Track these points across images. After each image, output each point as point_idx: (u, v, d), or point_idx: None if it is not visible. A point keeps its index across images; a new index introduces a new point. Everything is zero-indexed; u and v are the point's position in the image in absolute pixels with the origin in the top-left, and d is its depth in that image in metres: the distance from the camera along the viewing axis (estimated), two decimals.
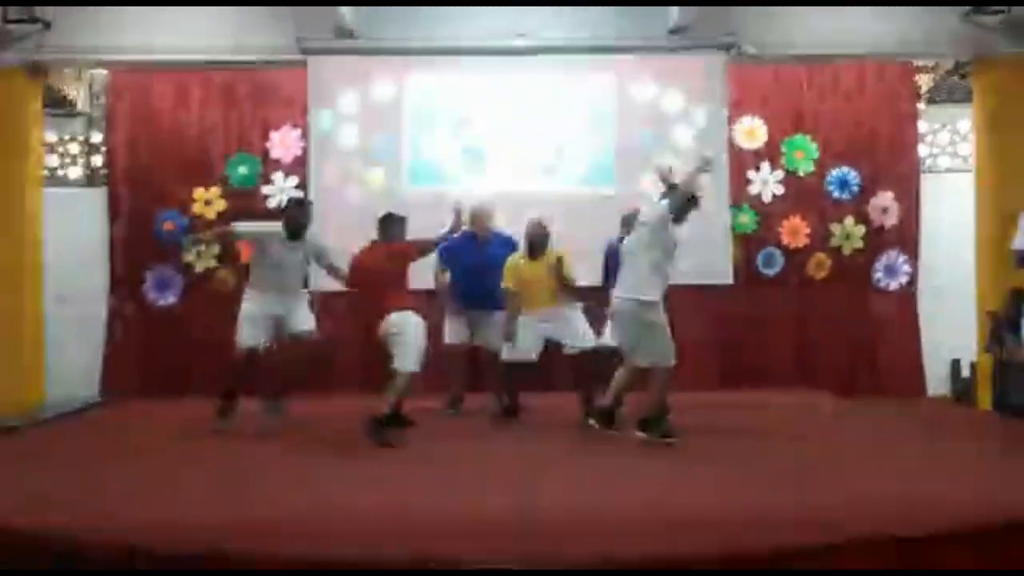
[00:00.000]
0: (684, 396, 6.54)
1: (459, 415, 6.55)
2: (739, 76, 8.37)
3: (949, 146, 8.81)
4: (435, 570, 3.25)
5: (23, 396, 7.53)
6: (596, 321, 6.23)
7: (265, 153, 8.43)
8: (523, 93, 8.06)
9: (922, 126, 8.69)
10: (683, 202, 5.34)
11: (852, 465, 4.63)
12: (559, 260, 6.07)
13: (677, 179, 5.48)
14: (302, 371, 6.38)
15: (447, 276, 6.62)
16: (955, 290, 8.28)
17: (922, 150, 8.68)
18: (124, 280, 8.41)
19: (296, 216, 6.04)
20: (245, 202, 8.40)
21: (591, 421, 5.62)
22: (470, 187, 7.80)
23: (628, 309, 5.30)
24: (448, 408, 6.61)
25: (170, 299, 8.42)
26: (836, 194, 8.45)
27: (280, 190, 8.36)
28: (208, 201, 8.38)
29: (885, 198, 8.44)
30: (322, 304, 7.96)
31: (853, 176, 8.43)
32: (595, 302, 6.29)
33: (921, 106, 8.68)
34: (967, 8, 7.42)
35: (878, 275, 8.48)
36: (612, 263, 6.03)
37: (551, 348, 6.27)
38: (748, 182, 8.35)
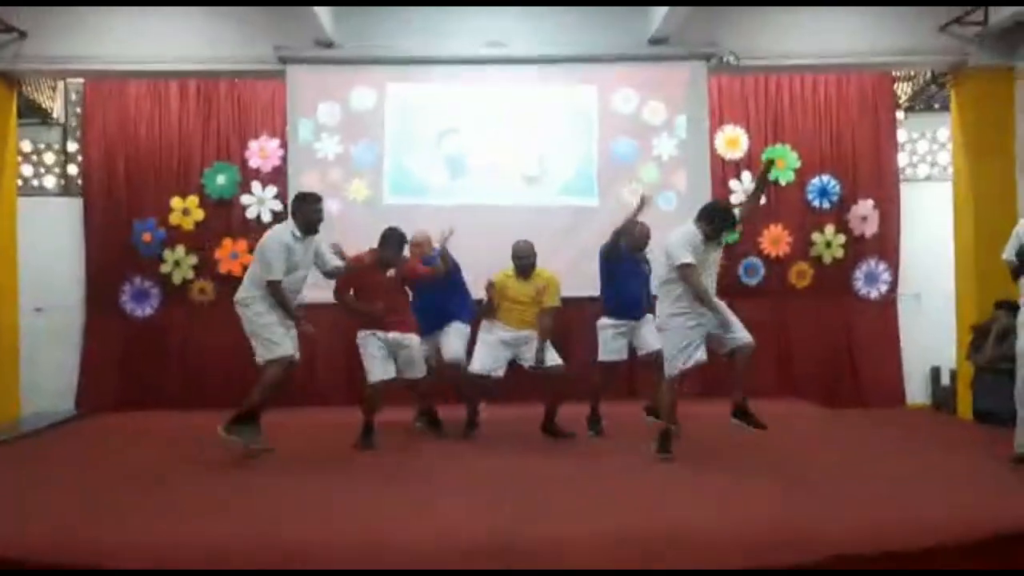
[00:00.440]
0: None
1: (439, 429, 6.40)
2: (720, 86, 8.40)
3: (928, 155, 8.89)
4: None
5: None
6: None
7: (244, 163, 8.36)
8: (505, 103, 8.02)
9: (901, 135, 8.76)
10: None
11: (836, 479, 4.62)
12: (548, 285, 6.04)
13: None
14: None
15: None
16: (934, 298, 8.36)
17: (901, 159, 8.75)
18: (101, 291, 8.31)
19: (318, 210, 5.53)
20: (223, 212, 8.33)
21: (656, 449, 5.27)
22: (452, 198, 7.77)
23: None
24: (416, 422, 6.49)
25: (148, 311, 8.31)
26: (816, 203, 8.48)
27: (259, 200, 8.28)
28: (186, 211, 8.30)
29: (865, 207, 8.48)
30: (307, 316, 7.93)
31: (833, 185, 8.47)
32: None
33: (900, 115, 8.75)
34: (945, 20, 7.47)
35: (858, 283, 8.52)
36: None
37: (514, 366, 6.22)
38: (730, 192, 8.36)
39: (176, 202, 8.29)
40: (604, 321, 6.13)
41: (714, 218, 5.29)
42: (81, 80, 8.39)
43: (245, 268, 8.16)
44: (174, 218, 8.28)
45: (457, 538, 3.57)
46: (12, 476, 5.10)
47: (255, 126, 8.39)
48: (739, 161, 8.48)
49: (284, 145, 8.16)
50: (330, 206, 7.85)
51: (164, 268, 8.27)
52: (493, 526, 3.65)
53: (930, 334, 8.37)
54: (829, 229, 8.46)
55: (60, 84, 8.45)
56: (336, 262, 5.65)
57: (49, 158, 8.55)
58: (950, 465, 5.01)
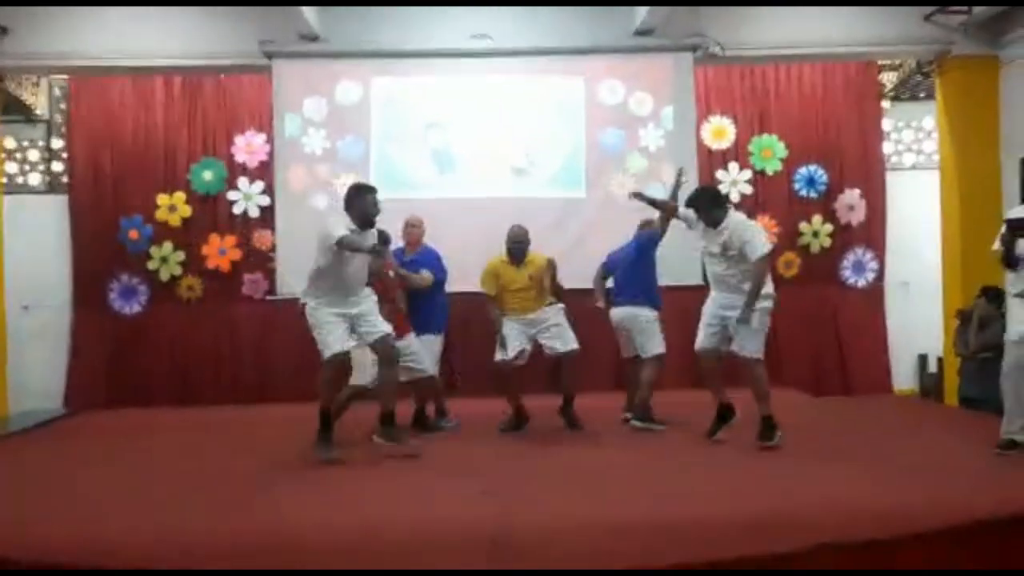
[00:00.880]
0: (655, 396, 6.57)
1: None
2: (706, 77, 8.41)
3: (914, 143, 8.92)
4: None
5: None
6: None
7: (230, 158, 8.32)
8: (492, 96, 8.00)
9: (887, 124, 8.79)
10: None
11: (822, 467, 4.65)
12: (550, 263, 5.99)
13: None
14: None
15: None
16: (920, 285, 8.41)
17: (887, 148, 8.78)
18: (88, 289, 8.27)
19: (375, 202, 5.21)
20: (210, 208, 8.31)
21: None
22: (439, 192, 7.76)
23: None
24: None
25: (135, 308, 8.28)
26: (804, 193, 8.51)
27: (246, 196, 8.26)
28: (172, 207, 8.26)
29: (852, 196, 8.52)
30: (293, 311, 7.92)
31: (820, 174, 8.50)
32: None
33: (886, 104, 8.78)
34: (930, 8, 7.49)
35: (846, 272, 8.56)
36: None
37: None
38: (718, 182, 8.38)
39: (162, 198, 8.26)
40: (656, 314, 6.09)
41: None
42: (65, 76, 8.33)
43: (233, 264, 8.26)
44: (160, 214, 8.24)
45: (453, 528, 3.58)
46: (1, 475, 5.07)
47: (241, 121, 8.36)
48: (726, 151, 8.49)
49: (270, 140, 8.13)
50: (317, 201, 7.91)
51: (151, 265, 8.24)
52: (484, 516, 3.66)
53: (917, 322, 8.43)
54: (816, 218, 8.49)
55: (44, 80, 8.38)
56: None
57: (34, 155, 8.50)
58: (936, 452, 5.04)
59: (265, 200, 8.19)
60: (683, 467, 4.76)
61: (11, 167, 8.41)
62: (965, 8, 7.33)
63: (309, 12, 7.39)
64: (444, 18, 7.79)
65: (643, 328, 6.04)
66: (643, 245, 6.14)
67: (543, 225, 7.37)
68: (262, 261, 8.21)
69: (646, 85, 8.03)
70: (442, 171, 7.94)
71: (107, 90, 8.33)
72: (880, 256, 8.58)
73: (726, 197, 5.67)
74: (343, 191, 7.66)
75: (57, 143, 8.47)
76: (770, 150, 8.47)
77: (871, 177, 8.60)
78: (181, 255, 8.25)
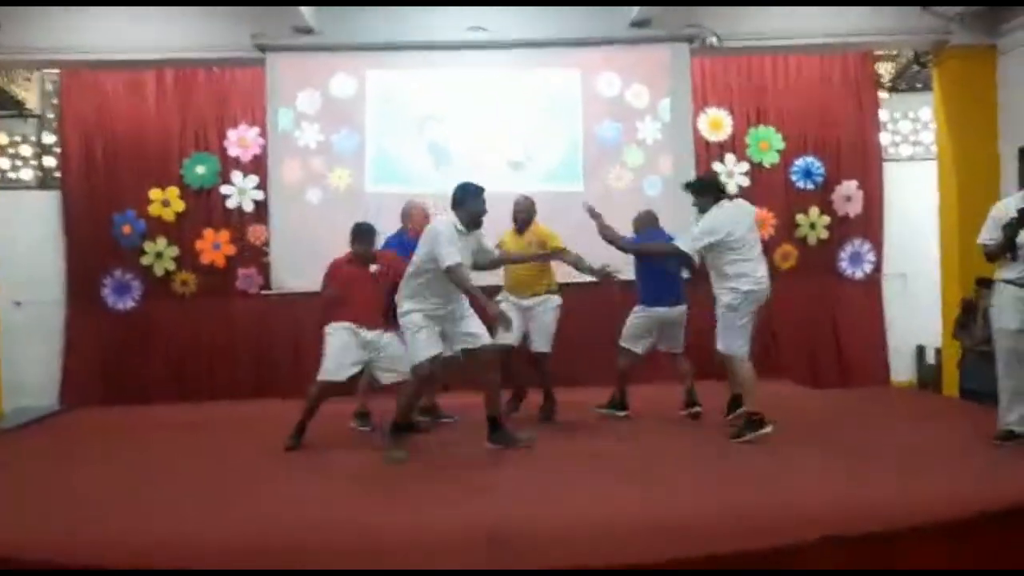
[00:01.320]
0: (652, 389, 6.55)
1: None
2: (703, 68, 8.37)
3: (911, 134, 8.89)
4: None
5: None
6: None
7: (223, 152, 8.27)
8: (488, 89, 7.96)
9: (884, 115, 8.76)
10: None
11: (822, 459, 4.62)
12: (544, 237, 5.92)
13: None
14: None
15: None
16: (918, 277, 8.38)
17: (884, 139, 8.75)
18: (81, 285, 8.22)
19: (483, 202, 5.11)
20: (204, 202, 8.26)
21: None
22: (435, 186, 7.69)
23: None
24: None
25: (130, 303, 8.23)
26: (801, 184, 8.48)
27: (239, 190, 8.21)
28: (166, 202, 8.21)
29: (849, 187, 8.49)
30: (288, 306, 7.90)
31: (817, 166, 8.46)
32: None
33: (883, 95, 8.74)
34: None
35: (843, 264, 8.54)
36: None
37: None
38: (714, 175, 8.34)
39: (155, 193, 8.20)
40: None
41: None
42: (56, 71, 8.27)
43: (228, 259, 8.20)
44: (154, 209, 8.19)
45: (449, 528, 3.55)
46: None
47: (234, 115, 8.30)
48: (723, 143, 8.45)
49: (264, 134, 8.07)
50: (311, 196, 7.86)
51: (145, 260, 8.19)
52: (481, 514, 3.63)
53: (915, 313, 8.41)
54: (813, 210, 8.47)
55: (35, 75, 8.32)
56: (495, 254, 5.41)
57: (25, 150, 8.43)
58: (935, 444, 5.02)
59: (259, 195, 8.14)
60: (680, 461, 4.73)
61: (3, 162, 8.35)
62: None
63: (303, 5, 7.31)
64: (439, 11, 7.72)
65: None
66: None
67: (541, 219, 7.30)
68: (256, 256, 8.16)
69: (643, 77, 7.99)
70: (438, 165, 7.89)
71: (99, 84, 8.26)
72: (877, 248, 8.56)
73: (720, 188, 5.63)
74: (338, 186, 7.81)
75: (49, 138, 8.40)
76: (767, 142, 8.43)
77: (868, 168, 8.57)
78: (175, 250, 8.20)
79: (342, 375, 5.26)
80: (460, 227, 4.92)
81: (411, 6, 7.65)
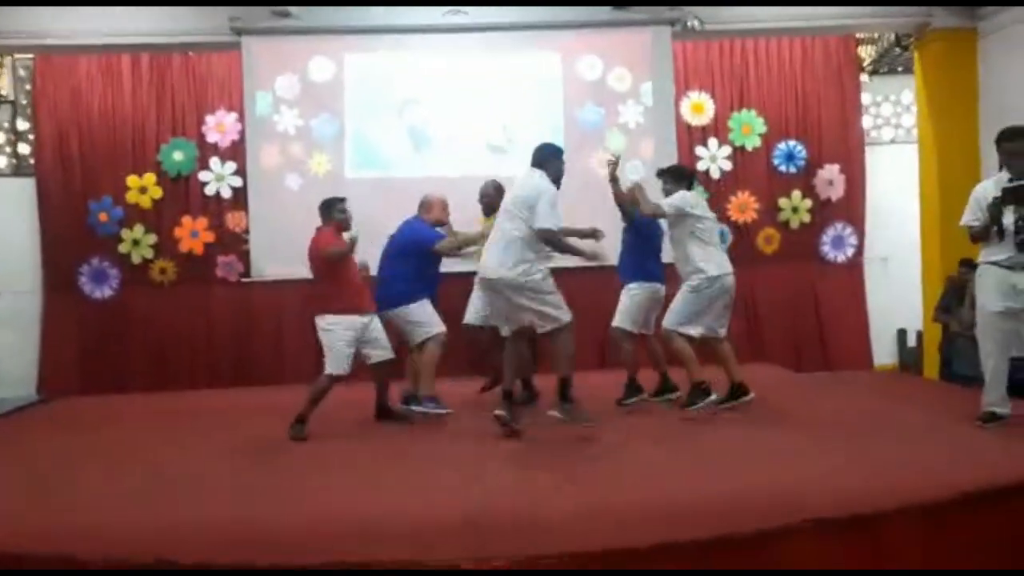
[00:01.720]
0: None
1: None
2: (685, 52, 8.33)
3: (892, 118, 8.91)
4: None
5: None
6: None
7: (201, 138, 8.15)
8: (468, 72, 7.88)
9: (865, 98, 8.77)
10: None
11: (805, 442, 4.62)
12: None
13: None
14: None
15: None
16: (900, 260, 8.42)
17: (866, 122, 8.75)
18: (58, 273, 8.09)
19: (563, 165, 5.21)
20: (182, 189, 8.15)
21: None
22: (416, 170, 7.63)
23: None
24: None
25: (107, 292, 8.12)
26: (783, 168, 8.47)
27: (218, 176, 8.10)
28: (143, 189, 8.09)
29: (831, 171, 8.49)
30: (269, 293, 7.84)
31: (799, 150, 8.46)
32: None
33: (864, 79, 8.74)
34: None
35: (825, 248, 8.54)
36: None
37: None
38: (697, 159, 8.32)
39: (132, 180, 8.08)
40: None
41: None
42: (30, 56, 8.12)
43: (207, 247, 8.10)
44: (131, 196, 8.07)
45: (434, 515, 3.52)
46: None
47: (211, 100, 8.18)
48: (705, 127, 8.43)
49: (242, 119, 7.97)
50: (290, 182, 7.78)
51: (123, 248, 8.08)
52: (465, 501, 3.60)
53: (896, 296, 8.45)
54: (796, 194, 8.46)
55: (8, 60, 8.17)
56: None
57: None
58: (918, 426, 5.03)
59: (237, 181, 8.05)
60: (659, 445, 4.70)
61: None
62: None
63: None
64: None
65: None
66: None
67: None
68: (236, 243, 8.07)
69: (624, 60, 7.95)
70: (418, 149, 7.83)
71: (73, 70, 8.12)
72: (859, 231, 8.57)
73: (692, 180, 5.75)
74: (317, 171, 7.73)
75: (23, 124, 8.26)
76: (749, 126, 8.41)
77: (850, 152, 8.57)
78: (153, 238, 8.10)
79: (349, 368, 5.24)
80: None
81: None
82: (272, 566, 3.22)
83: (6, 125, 8.29)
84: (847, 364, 8.29)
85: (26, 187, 8.18)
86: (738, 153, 8.43)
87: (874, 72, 8.79)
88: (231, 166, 8.09)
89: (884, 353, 8.67)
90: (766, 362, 7.99)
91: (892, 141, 8.84)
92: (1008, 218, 4.63)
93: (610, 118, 7.93)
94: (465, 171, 7.60)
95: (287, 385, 7.49)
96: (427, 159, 7.79)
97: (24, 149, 8.26)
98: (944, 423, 5.05)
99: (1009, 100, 7.07)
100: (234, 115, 8.08)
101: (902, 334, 8.65)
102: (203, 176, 8.12)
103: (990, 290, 4.80)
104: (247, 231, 7.91)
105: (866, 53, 8.69)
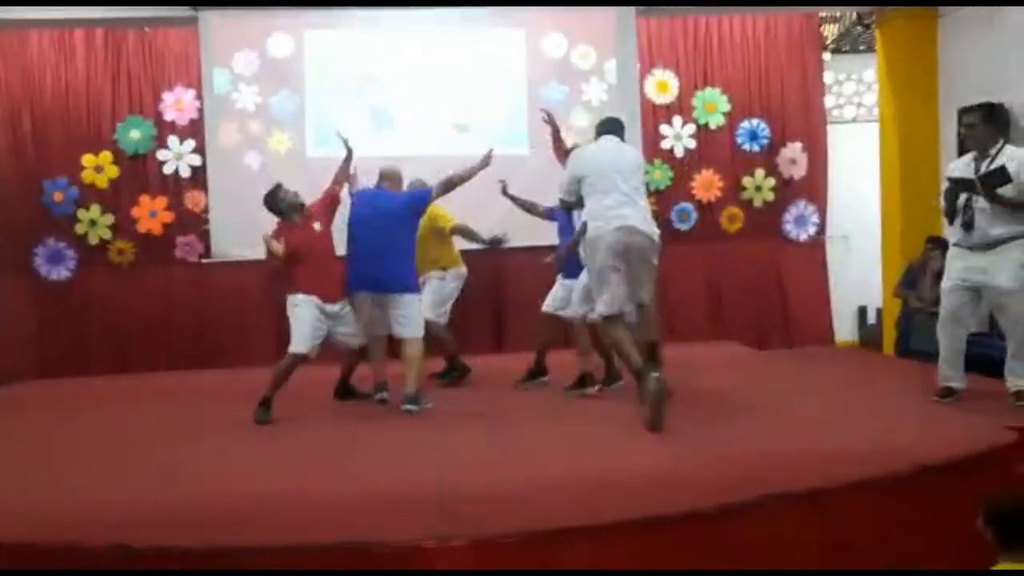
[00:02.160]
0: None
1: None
2: (649, 29, 8.30)
3: (854, 96, 8.97)
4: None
5: None
6: None
7: (158, 116, 7.98)
8: (431, 50, 7.78)
9: (828, 77, 8.80)
10: None
11: (765, 418, 4.66)
12: (435, 218, 6.11)
13: None
14: None
15: None
16: (860, 239, 8.51)
17: (828, 101, 8.80)
18: (11, 254, 7.88)
19: None
20: (139, 168, 7.98)
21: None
22: (378, 149, 7.53)
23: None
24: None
25: (64, 273, 7.95)
26: (747, 147, 8.49)
27: (176, 155, 7.94)
28: (99, 168, 7.91)
29: (794, 149, 8.53)
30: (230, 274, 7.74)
31: (763, 128, 8.48)
32: None
33: (827, 57, 8.77)
34: None
35: (788, 226, 8.60)
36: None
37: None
38: (661, 137, 8.32)
39: (88, 159, 7.89)
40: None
41: None
42: None
43: (165, 227, 7.96)
44: (87, 176, 7.88)
45: (400, 493, 3.50)
46: None
47: (168, 77, 7.98)
48: (669, 105, 8.41)
49: (201, 96, 7.81)
50: (251, 160, 7.66)
51: (79, 229, 7.90)
52: (430, 480, 3.59)
53: (857, 274, 8.55)
54: (759, 173, 8.49)
55: None
56: None
57: None
58: (878, 401, 5.11)
59: (196, 159, 7.89)
60: (618, 425, 4.71)
61: None
62: None
63: None
64: None
65: None
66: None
67: (486, 183, 7.23)
68: (195, 223, 7.93)
69: (589, 38, 7.91)
70: (380, 127, 7.73)
71: (24, 45, 7.87)
72: (821, 210, 8.63)
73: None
74: (278, 149, 7.61)
75: None
76: (713, 104, 8.41)
77: (813, 130, 8.61)
78: (110, 218, 7.92)
79: (312, 350, 5.20)
80: None
81: None
82: (232, 547, 3.19)
83: None
84: (809, 341, 8.37)
85: None
86: (702, 131, 8.43)
87: (836, 51, 8.84)
88: (190, 144, 7.92)
89: (845, 330, 8.78)
90: (729, 340, 8.06)
91: (854, 120, 8.91)
92: (960, 201, 4.77)
93: (574, 96, 7.89)
94: (428, 151, 7.52)
95: (249, 367, 7.41)
96: (389, 138, 7.69)
97: None
98: (903, 399, 5.13)
99: (968, 79, 7.14)
100: (192, 92, 7.91)
101: (863, 311, 8.77)
102: (161, 155, 7.95)
103: (948, 268, 4.95)
104: (207, 211, 7.78)
105: (828, 32, 8.72)
